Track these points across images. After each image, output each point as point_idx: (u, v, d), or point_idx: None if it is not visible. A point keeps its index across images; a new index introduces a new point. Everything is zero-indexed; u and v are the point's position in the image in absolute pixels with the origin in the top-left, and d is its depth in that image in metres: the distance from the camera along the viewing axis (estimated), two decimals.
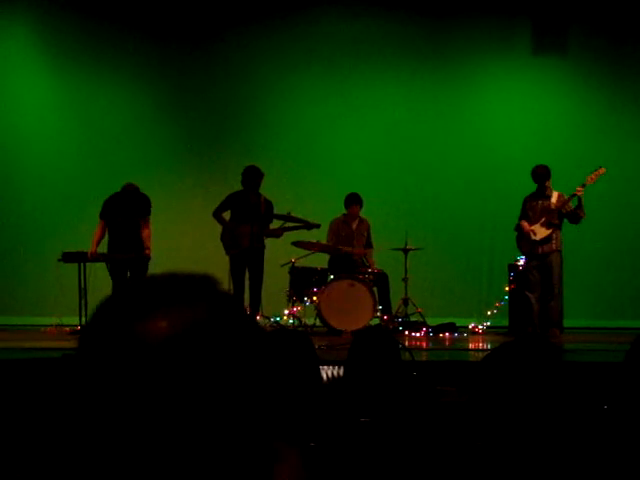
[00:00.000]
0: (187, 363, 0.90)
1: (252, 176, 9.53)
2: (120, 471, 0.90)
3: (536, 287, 9.37)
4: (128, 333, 0.91)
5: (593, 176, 9.35)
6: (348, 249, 10.15)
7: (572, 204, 9.34)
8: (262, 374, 0.95)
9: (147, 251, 9.40)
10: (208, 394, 0.90)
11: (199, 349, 0.91)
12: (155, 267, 9.32)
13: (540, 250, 9.35)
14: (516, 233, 9.62)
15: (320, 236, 10.12)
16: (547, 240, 9.33)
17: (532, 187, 9.57)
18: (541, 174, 9.38)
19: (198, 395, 0.90)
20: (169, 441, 0.89)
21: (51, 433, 2.45)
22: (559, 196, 9.40)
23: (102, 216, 9.53)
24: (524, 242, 9.48)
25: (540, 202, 9.43)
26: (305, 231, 9.84)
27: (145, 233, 9.44)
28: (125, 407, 0.89)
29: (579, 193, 9.22)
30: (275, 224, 9.81)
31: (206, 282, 0.97)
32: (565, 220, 9.46)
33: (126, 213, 9.40)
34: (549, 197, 9.41)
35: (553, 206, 9.35)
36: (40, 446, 2.37)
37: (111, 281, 9.41)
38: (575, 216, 9.37)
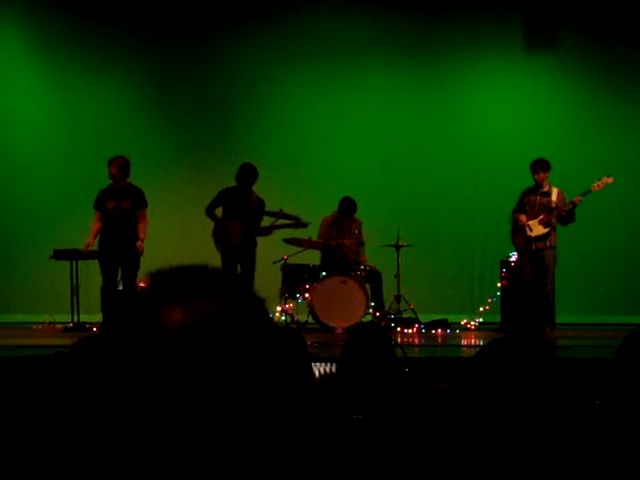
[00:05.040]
0: (201, 353, 0.92)
1: (248, 174, 9.54)
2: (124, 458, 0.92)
3: (528, 283, 9.35)
4: (149, 320, 0.95)
5: (600, 184, 9.27)
6: (339, 240, 10.13)
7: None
8: (270, 370, 0.97)
9: (139, 242, 9.30)
10: (217, 385, 0.92)
11: (214, 341, 0.94)
12: (145, 263, 9.28)
13: (534, 246, 9.31)
14: (510, 226, 9.55)
15: (311, 233, 10.11)
16: (542, 237, 9.29)
17: (524, 182, 9.57)
18: (533, 166, 9.29)
19: (207, 385, 0.92)
20: (173, 427, 0.91)
21: (44, 430, 2.45)
22: (559, 193, 9.32)
23: (96, 207, 9.49)
24: (519, 236, 9.41)
25: (539, 198, 9.33)
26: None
27: (141, 225, 9.38)
28: (139, 389, 0.92)
29: (577, 202, 9.16)
30: (266, 221, 9.80)
31: (227, 276, 1.00)
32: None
33: (118, 200, 9.36)
34: (549, 194, 9.32)
35: (553, 204, 9.29)
36: (32, 444, 2.36)
37: (102, 277, 9.40)
38: (565, 220, 9.35)
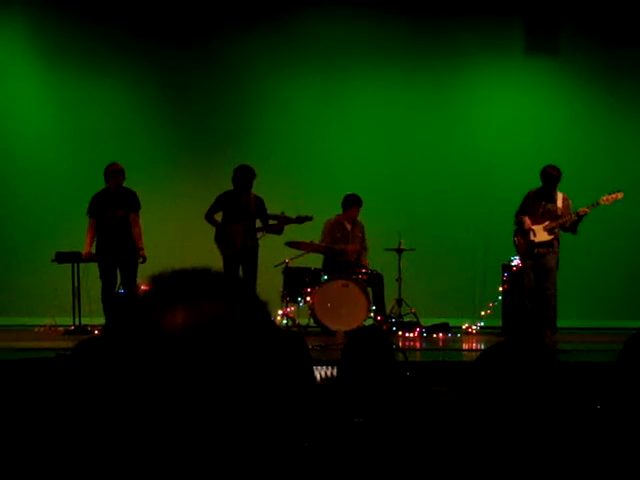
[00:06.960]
0: (202, 356, 0.93)
1: (243, 176, 9.52)
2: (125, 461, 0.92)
3: (530, 287, 9.31)
4: (150, 323, 0.95)
5: (610, 198, 9.18)
6: (342, 246, 10.14)
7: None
8: (272, 373, 0.97)
9: (141, 252, 9.34)
10: (219, 388, 0.93)
11: (215, 344, 0.94)
12: (147, 267, 9.29)
13: (536, 251, 9.25)
14: (514, 227, 9.44)
15: (314, 232, 10.11)
16: (545, 244, 9.20)
17: (525, 186, 9.52)
18: (552, 176, 9.05)
19: (209, 388, 0.93)
20: (174, 430, 0.91)
21: (45, 433, 2.45)
22: (564, 199, 9.22)
23: (91, 214, 9.50)
24: (522, 240, 9.34)
25: (544, 203, 9.20)
26: (298, 232, 9.84)
27: (136, 230, 9.37)
28: (140, 392, 0.93)
29: (583, 213, 9.04)
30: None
31: (229, 279, 1.00)
32: None
33: (115, 209, 9.36)
34: (554, 200, 9.20)
35: (559, 211, 9.18)
36: (33, 446, 2.36)
37: (101, 281, 9.39)
38: (566, 230, 9.27)
